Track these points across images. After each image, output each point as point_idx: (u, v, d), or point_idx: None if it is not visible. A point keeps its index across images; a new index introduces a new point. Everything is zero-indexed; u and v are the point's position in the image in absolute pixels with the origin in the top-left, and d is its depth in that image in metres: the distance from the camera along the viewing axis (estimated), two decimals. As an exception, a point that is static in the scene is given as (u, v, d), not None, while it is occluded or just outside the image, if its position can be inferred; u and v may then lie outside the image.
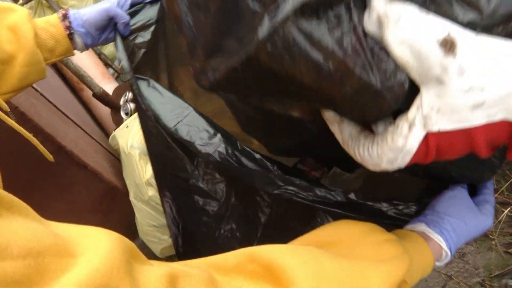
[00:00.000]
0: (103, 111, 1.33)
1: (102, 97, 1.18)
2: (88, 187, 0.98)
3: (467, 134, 0.32)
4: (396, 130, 0.35)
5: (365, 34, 0.34)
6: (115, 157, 1.19)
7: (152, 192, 0.97)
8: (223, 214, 0.74)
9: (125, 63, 0.72)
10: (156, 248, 1.09)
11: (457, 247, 0.49)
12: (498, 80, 0.30)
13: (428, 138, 0.33)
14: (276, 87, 0.39)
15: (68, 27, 0.68)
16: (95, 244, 0.24)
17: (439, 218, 0.50)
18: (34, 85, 0.89)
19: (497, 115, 0.31)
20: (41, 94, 0.92)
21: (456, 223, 0.49)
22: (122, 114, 1.21)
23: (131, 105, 1.20)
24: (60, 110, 1.00)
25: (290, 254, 0.34)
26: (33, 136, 0.78)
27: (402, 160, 0.35)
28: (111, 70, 1.67)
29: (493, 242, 1.13)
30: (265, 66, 0.36)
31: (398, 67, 0.34)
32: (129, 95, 1.23)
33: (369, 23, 0.34)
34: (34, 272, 0.20)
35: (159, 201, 1.00)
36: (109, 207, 1.08)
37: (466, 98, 0.30)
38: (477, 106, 0.30)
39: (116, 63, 1.74)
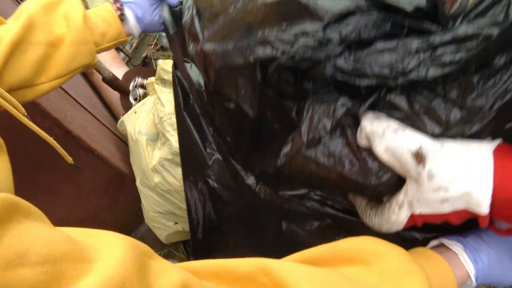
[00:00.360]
0: (113, 95, 1.33)
1: (111, 81, 1.18)
2: (95, 172, 0.98)
3: (441, 215, 0.41)
4: (390, 208, 0.45)
5: (358, 147, 0.45)
6: (123, 141, 1.19)
7: (158, 179, 0.98)
8: (231, 219, 0.73)
9: (170, 29, 0.69)
10: (161, 234, 1.10)
11: (482, 282, 0.47)
12: (458, 183, 0.38)
13: (413, 215, 0.43)
14: (300, 181, 0.54)
15: (120, 8, 0.66)
16: (109, 250, 0.25)
17: (479, 245, 0.47)
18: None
19: (460, 206, 0.39)
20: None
21: (494, 259, 0.47)
22: (131, 99, 1.21)
23: (140, 91, 1.20)
24: (69, 95, 1.00)
25: (306, 278, 0.33)
26: (41, 121, 0.79)
27: (397, 228, 0.45)
28: (122, 54, 1.67)
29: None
30: (287, 176, 0.50)
31: (387, 168, 0.43)
32: (138, 80, 1.23)
33: (361, 139, 0.44)
34: (51, 278, 0.21)
35: (164, 188, 1.00)
36: (116, 191, 1.09)
37: (435, 195, 0.39)
38: (444, 201, 0.39)
39: (127, 47, 1.74)
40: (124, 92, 1.24)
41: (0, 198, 0.23)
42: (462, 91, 0.40)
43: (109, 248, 0.25)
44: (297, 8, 0.43)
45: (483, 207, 0.37)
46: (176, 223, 1.06)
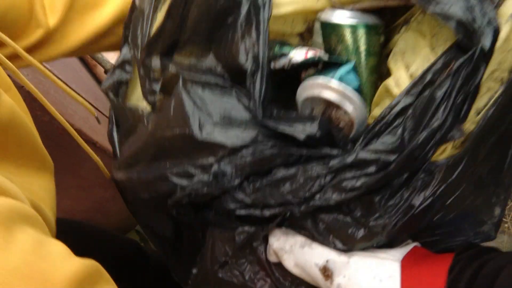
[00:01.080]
0: (116, 87, 1.34)
1: (113, 73, 1.19)
2: (98, 164, 0.99)
3: None
4: None
5: (269, 262, 0.45)
6: (126, 133, 1.20)
7: (160, 169, 0.98)
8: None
9: None
10: (166, 224, 1.11)
11: None
12: None
13: None
14: None
15: None
16: None
17: None
18: (43, 63, 0.90)
19: None
20: (50, 71, 0.93)
21: None
22: (133, 90, 1.21)
23: (142, 82, 1.20)
24: (70, 87, 1.00)
25: None
26: (41, 114, 0.79)
27: None
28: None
29: (506, 225, 1.12)
30: None
31: (301, 280, 0.43)
32: (140, 71, 1.23)
33: (270, 255, 0.45)
34: None
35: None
36: (120, 183, 1.10)
37: None
38: None
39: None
40: (126, 84, 1.24)
41: (93, 264, 0.29)
42: (365, 211, 0.39)
43: None
44: (193, 143, 0.43)
45: None
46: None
